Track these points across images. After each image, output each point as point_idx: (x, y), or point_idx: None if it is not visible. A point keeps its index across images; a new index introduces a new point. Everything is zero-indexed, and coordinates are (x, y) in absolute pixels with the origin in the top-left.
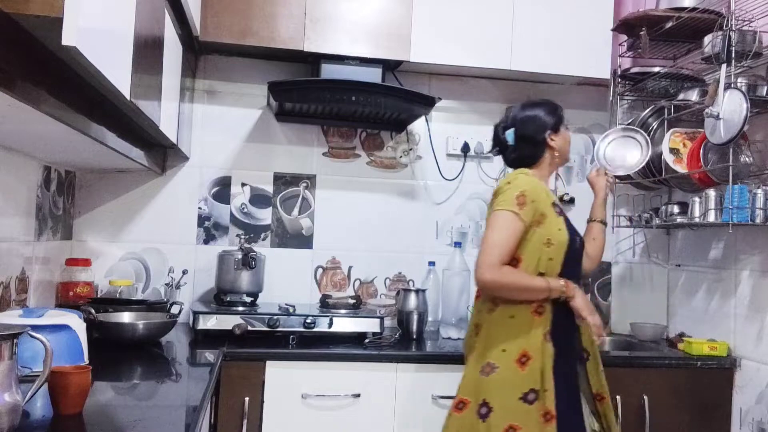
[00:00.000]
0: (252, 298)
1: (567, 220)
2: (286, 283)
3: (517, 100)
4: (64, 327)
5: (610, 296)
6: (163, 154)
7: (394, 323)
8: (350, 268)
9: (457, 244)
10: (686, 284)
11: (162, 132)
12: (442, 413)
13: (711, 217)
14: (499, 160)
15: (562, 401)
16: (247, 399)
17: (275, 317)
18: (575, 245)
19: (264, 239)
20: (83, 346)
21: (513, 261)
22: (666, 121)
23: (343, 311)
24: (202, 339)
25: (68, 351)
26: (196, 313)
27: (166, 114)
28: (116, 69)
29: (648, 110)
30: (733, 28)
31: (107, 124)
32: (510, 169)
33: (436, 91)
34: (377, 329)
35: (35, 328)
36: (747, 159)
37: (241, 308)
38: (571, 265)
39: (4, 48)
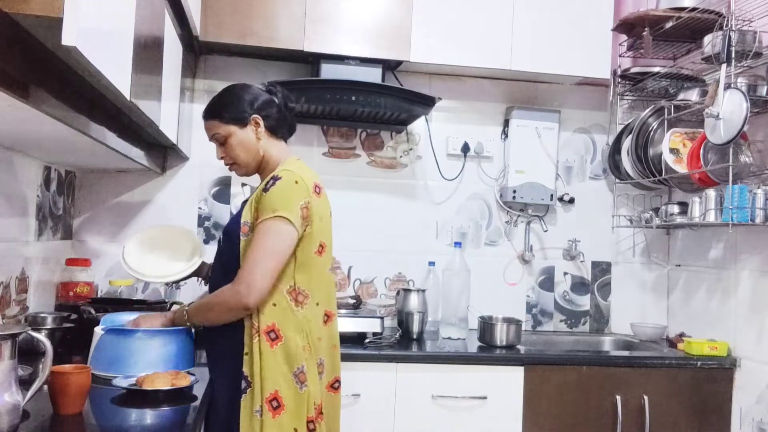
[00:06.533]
0: None
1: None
2: None
3: (517, 100)
4: (185, 331)
5: (610, 296)
6: (163, 154)
7: (394, 323)
8: (350, 268)
9: (457, 244)
10: (686, 284)
11: (162, 132)
12: (442, 413)
13: (711, 217)
14: (499, 160)
15: None
16: None
17: None
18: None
19: None
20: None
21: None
22: (666, 121)
23: (343, 311)
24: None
25: (187, 354)
26: None
27: (166, 114)
28: (116, 69)
29: (648, 110)
30: (733, 28)
31: (107, 124)
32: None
33: (436, 91)
34: (377, 329)
35: (162, 332)
36: (747, 159)
37: None
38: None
39: (3, 48)
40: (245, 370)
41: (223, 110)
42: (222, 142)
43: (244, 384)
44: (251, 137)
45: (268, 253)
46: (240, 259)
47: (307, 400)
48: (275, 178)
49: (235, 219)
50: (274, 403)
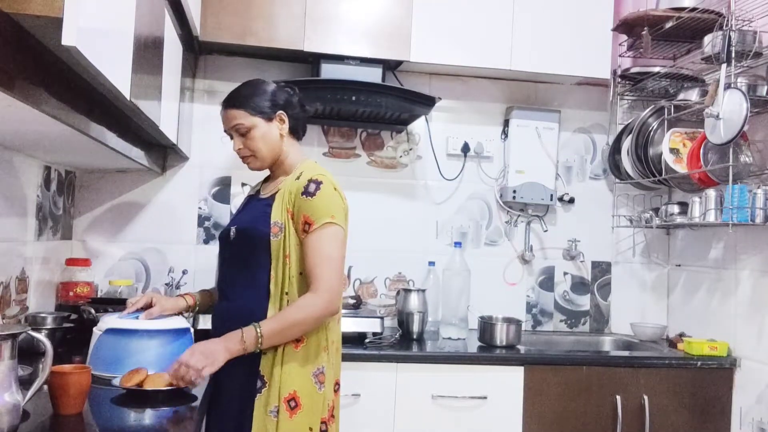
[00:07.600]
0: None
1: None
2: None
3: (517, 100)
4: (185, 330)
5: (610, 296)
6: (163, 154)
7: (394, 323)
8: (350, 268)
9: (457, 244)
10: (686, 284)
11: (162, 132)
12: (442, 413)
13: (711, 217)
14: (499, 160)
15: None
16: None
17: None
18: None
19: None
20: None
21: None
22: (666, 121)
23: (343, 311)
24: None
25: None
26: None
27: (166, 114)
28: (116, 69)
29: (648, 110)
30: (733, 28)
31: (107, 124)
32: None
33: (436, 91)
34: (377, 329)
35: (162, 332)
36: (747, 159)
37: None
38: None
39: (3, 48)
40: (262, 369)
41: (250, 101)
42: (243, 133)
43: (259, 383)
44: (275, 132)
45: (335, 258)
46: (272, 258)
47: (323, 400)
48: (316, 182)
49: (258, 218)
50: (292, 403)
